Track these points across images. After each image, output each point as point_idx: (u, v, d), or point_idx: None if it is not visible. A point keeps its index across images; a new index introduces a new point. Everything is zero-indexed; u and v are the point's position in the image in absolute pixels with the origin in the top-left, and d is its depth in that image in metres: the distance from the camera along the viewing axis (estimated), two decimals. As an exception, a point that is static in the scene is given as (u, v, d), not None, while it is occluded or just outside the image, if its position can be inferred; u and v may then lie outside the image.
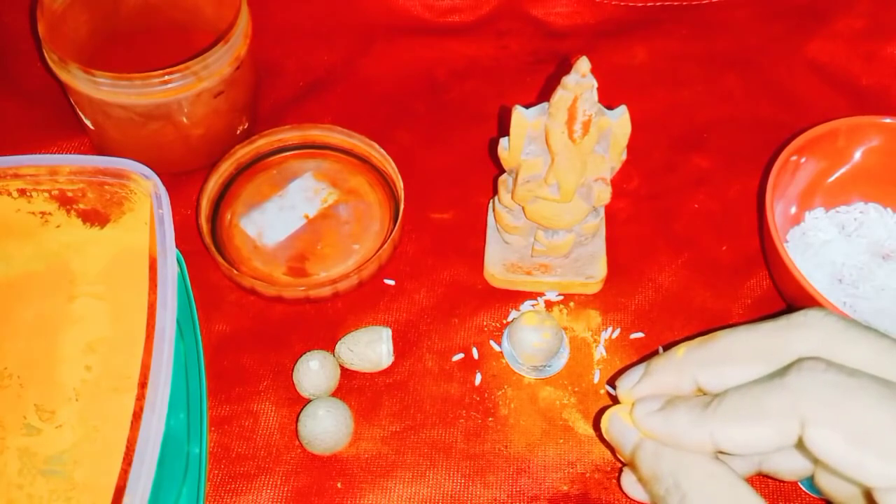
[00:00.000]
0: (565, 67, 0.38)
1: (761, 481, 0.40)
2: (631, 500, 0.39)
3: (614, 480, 0.41)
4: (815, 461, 0.32)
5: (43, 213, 0.42)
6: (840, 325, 0.30)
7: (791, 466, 0.34)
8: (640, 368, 0.35)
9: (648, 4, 0.61)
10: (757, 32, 0.60)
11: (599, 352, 0.45)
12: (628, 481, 0.36)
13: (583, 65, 0.37)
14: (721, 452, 0.31)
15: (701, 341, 0.33)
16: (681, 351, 0.34)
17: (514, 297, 0.47)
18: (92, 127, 0.50)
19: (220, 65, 0.47)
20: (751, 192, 0.51)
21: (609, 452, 0.41)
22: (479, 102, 0.56)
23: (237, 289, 0.47)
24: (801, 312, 0.31)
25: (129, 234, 0.41)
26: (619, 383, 0.36)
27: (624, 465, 0.37)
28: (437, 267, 0.48)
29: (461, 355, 0.45)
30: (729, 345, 0.32)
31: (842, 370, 0.28)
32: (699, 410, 0.31)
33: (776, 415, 0.28)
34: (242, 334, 0.46)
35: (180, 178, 0.51)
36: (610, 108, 0.40)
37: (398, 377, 0.44)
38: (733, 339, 0.32)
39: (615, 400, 0.43)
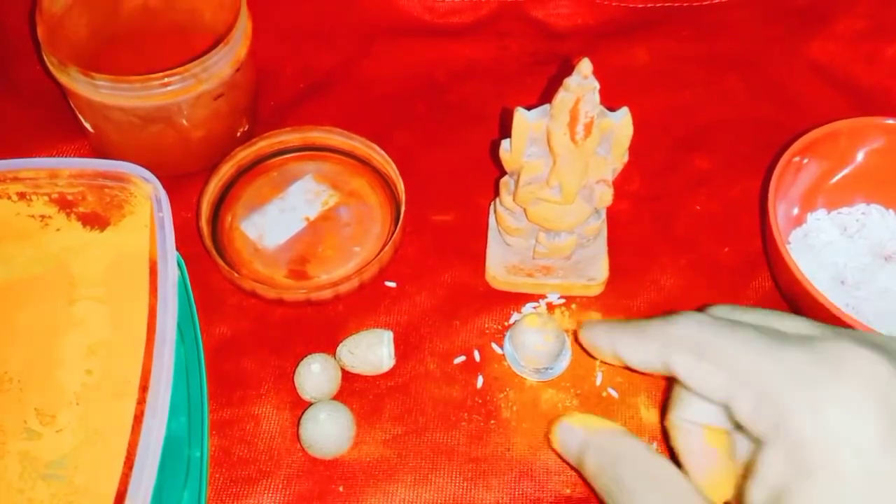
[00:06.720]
0: (566, 69, 0.38)
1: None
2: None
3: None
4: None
5: (43, 217, 0.42)
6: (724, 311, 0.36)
7: None
8: (616, 325, 0.39)
9: (649, 6, 0.61)
10: (758, 33, 0.60)
11: (601, 354, 0.45)
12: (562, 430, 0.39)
13: (585, 66, 0.36)
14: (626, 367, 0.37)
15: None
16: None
17: (516, 300, 0.47)
18: (91, 130, 0.49)
19: (219, 67, 0.46)
20: (752, 194, 0.51)
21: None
22: (480, 104, 0.56)
23: (238, 292, 0.47)
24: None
25: (129, 238, 0.41)
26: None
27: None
28: (438, 269, 0.48)
29: (463, 358, 0.45)
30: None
31: (716, 320, 0.33)
32: (613, 326, 0.38)
33: (652, 337, 0.34)
34: (243, 337, 0.45)
35: (180, 180, 0.50)
36: (611, 109, 0.40)
37: (399, 380, 0.44)
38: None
39: (618, 403, 0.43)
